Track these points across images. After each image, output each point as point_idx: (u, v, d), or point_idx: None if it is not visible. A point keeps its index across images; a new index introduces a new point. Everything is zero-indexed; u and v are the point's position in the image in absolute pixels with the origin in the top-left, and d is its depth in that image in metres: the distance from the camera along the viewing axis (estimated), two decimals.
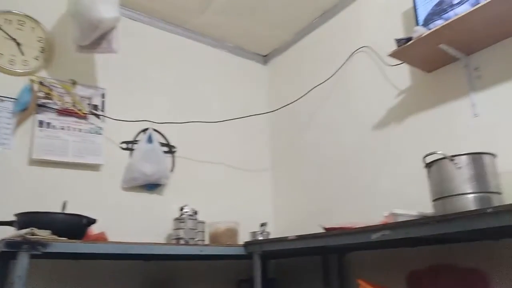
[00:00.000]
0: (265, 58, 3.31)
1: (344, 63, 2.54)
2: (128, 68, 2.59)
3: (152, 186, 2.46)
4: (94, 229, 1.99)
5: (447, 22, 1.72)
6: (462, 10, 1.72)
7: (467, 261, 1.73)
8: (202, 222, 2.38)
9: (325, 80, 2.63)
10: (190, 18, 2.81)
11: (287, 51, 3.12)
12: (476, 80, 1.86)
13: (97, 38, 2.17)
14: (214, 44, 3.05)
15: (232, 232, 2.42)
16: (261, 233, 2.42)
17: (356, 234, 1.60)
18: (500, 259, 1.63)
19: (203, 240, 2.36)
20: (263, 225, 2.44)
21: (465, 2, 1.74)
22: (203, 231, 2.37)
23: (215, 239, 2.40)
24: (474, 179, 1.38)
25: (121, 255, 1.85)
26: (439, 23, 1.80)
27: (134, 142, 2.48)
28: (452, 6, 1.81)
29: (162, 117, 2.61)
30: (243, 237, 2.41)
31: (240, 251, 2.18)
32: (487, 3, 1.58)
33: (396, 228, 1.45)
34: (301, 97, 2.79)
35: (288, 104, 2.88)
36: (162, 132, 2.60)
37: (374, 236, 1.50)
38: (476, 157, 1.42)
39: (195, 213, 2.35)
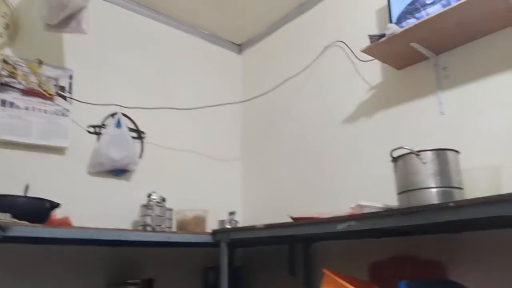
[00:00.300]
0: (240, 47, 3.29)
1: (318, 56, 2.56)
2: (98, 50, 2.51)
3: (120, 172, 2.41)
4: (57, 214, 1.94)
5: (419, 21, 1.76)
6: (434, 10, 1.77)
7: (428, 253, 1.80)
8: (170, 210, 2.36)
9: (299, 73, 2.65)
10: (166, 2, 2.75)
11: (262, 41, 3.11)
12: (444, 79, 1.92)
13: (66, 18, 2.09)
14: (189, 30, 3.00)
15: (200, 220, 2.42)
16: (229, 221, 2.43)
17: (322, 224, 1.63)
18: (460, 252, 1.70)
19: (170, 228, 2.35)
20: (231, 213, 2.45)
21: (437, 2, 1.79)
22: (170, 219, 2.35)
23: (182, 226, 2.38)
24: (438, 174, 1.44)
25: (85, 240, 1.81)
26: (411, 21, 1.84)
27: (102, 126, 2.41)
28: (424, 6, 1.85)
29: (132, 102, 2.55)
30: (211, 225, 2.41)
31: (208, 239, 2.18)
32: (457, 5, 1.62)
33: (362, 219, 1.49)
34: (274, 88, 2.80)
35: (261, 95, 2.88)
36: (132, 117, 2.55)
37: (340, 227, 1.54)
38: (441, 153, 1.47)
39: (163, 200, 2.33)
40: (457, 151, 1.50)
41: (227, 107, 2.99)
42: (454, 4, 1.64)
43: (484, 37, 1.80)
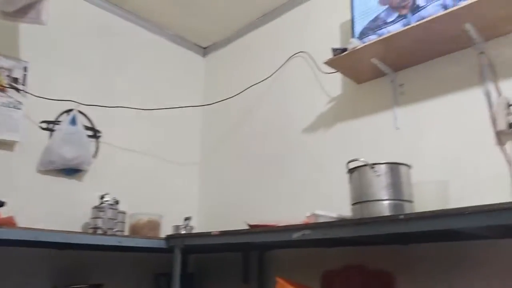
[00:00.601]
0: (204, 50, 3.27)
1: (282, 65, 2.59)
2: (57, 42, 2.41)
3: (72, 171, 2.32)
4: (2, 213, 1.83)
5: (379, 38, 1.82)
6: (394, 28, 1.84)
7: (378, 263, 1.84)
8: (123, 213, 2.29)
9: (262, 80, 2.67)
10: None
11: (227, 46, 3.11)
12: (400, 95, 2.00)
13: (24, 6, 2.00)
14: (153, 29, 2.95)
15: (153, 225, 2.36)
16: (185, 227, 2.38)
17: (278, 232, 1.64)
18: (407, 262, 1.76)
19: (123, 231, 2.27)
20: (187, 219, 2.41)
21: (398, 21, 1.86)
22: (123, 222, 2.28)
23: (135, 231, 2.32)
24: (390, 187, 1.48)
25: (31, 242, 1.72)
26: (372, 38, 1.90)
27: (55, 122, 2.31)
28: (386, 23, 1.91)
29: (89, 99, 2.46)
30: (166, 231, 2.36)
31: (161, 244, 2.14)
32: (415, 25, 1.70)
33: (316, 228, 1.51)
34: (237, 94, 2.80)
35: (224, 100, 2.87)
36: (88, 114, 2.46)
37: (295, 235, 1.55)
38: (394, 167, 1.52)
39: (116, 202, 2.26)
40: (409, 166, 1.55)
41: (188, 109, 2.95)
42: (412, 24, 1.71)
43: (439, 58, 1.89)
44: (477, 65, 1.75)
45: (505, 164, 1.58)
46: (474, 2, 1.54)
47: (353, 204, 1.57)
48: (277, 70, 2.61)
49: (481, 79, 1.73)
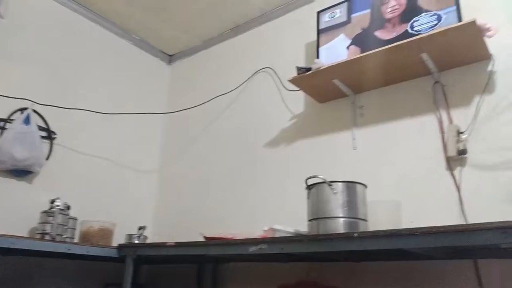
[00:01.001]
0: (170, 58, 3.24)
1: (247, 80, 2.62)
2: (12, 37, 2.31)
3: (21, 173, 2.20)
4: None
5: (341, 60, 1.89)
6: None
7: (331, 279, 1.88)
8: (74, 219, 2.21)
9: (227, 92, 2.67)
10: (100, 1, 2.64)
11: (193, 55, 3.10)
12: (359, 117, 2.07)
13: None
14: (118, 32, 2.90)
15: (105, 233, 2.28)
16: (138, 236, 2.33)
17: (235, 246, 1.64)
18: (361, 279, 1.80)
19: (73, 238, 2.18)
20: (141, 228, 2.35)
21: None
22: (74, 228, 2.20)
23: (86, 238, 2.23)
24: (346, 205, 1.52)
25: None
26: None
27: (7, 120, 2.20)
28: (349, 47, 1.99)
29: (46, 99, 2.36)
30: (118, 239, 2.29)
31: (112, 253, 2.07)
32: (376, 51, 1.78)
33: (273, 243, 1.52)
34: (201, 104, 2.79)
35: (187, 109, 2.85)
36: (43, 114, 2.36)
37: (252, 249, 1.55)
38: (350, 185, 1.57)
39: (68, 208, 2.17)
40: (364, 185, 1.61)
41: (150, 116, 2.91)
42: (373, 51, 1.79)
43: (398, 84, 1.98)
44: (432, 93, 1.86)
45: (454, 188, 1.67)
46: (430, 34, 1.64)
47: (310, 220, 1.59)
48: (242, 84, 2.63)
49: (435, 107, 1.83)
